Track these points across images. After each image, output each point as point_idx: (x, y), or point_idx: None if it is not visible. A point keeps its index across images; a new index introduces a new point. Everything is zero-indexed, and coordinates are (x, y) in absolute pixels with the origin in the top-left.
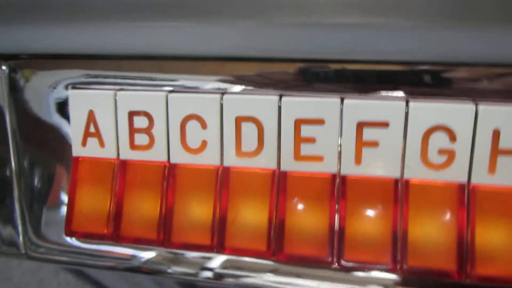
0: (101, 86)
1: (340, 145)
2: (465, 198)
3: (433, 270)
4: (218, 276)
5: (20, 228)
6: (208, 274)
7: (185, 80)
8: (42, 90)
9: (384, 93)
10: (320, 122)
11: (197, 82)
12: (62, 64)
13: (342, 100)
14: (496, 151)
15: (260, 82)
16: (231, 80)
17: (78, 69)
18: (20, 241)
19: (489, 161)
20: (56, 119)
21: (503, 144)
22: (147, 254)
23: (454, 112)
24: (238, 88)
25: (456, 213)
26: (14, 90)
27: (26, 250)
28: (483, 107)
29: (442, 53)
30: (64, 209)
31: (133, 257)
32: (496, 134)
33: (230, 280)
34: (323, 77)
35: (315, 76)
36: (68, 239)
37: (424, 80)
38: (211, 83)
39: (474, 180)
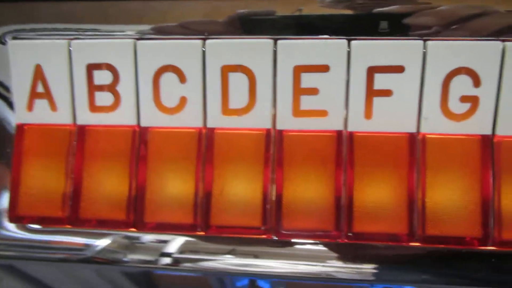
0: (50, 35)
1: (347, 96)
2: (490, 153)
3: (454, 238)
4: (176, 262)
5: None
6: (167, 260)
7: (155, 24)
8: None
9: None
10: (324, 69)
11: (172, 26)
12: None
13: (349, 42)
14: None
15: (250, 24)
16: (214, 22)
17: (20, 15)
18: None
19: None
20: None
21: None
22: (102, 243)
23: (479, 52)
24: (224, 31)
25: (480, 171)
26: None
27: None
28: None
29: None
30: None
31: (87, 246)
32: None
33: (188, 265)
34: (326, 16)
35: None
36: (11, 228)
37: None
38: (189, 26)
39: (500, 132)
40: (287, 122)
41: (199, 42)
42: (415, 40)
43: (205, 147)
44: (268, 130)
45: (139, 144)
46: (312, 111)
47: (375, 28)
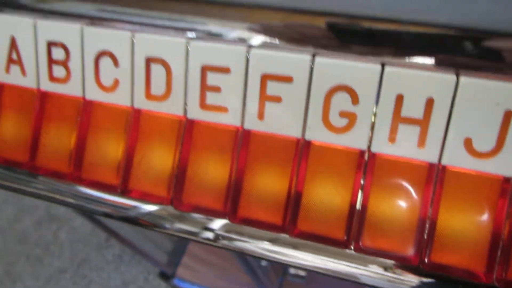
0: (23, 13)
1: (245, 97)
2: (364, 165)
3: (323, 236)
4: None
5: None
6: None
7: (102, 12)
8: None
9: (292, 46)
10: (226, 70)
11: (114, 14)
12: None
13: (249, 49)
14: (398, 118)
15: (167, 26)
16: (141, 22)
17: None
18: None
19: (390, 129)
20: None
21: (405, 112)
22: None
23: (359, 72)
24: (150, 28)
25: (354, 181)
26: None
27: None
28: (390, 69)
29: (349, 5)
30: None
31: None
32: (399, 100)
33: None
34: (231, 25)
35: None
36: None
37: (333, 36)
38: (123, 16)
39: (374, 148)
40: (196, 113)
41: (129, 34)
42: (304, 55)
43: (132, 123)
44: (180, 118)
45: (83, 113)
46: (215, 106)
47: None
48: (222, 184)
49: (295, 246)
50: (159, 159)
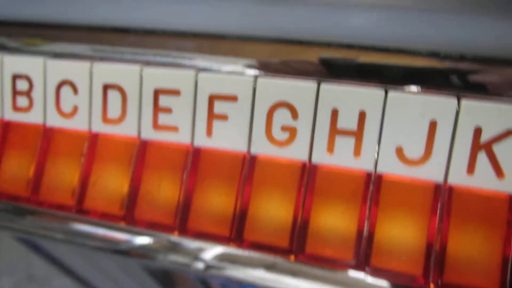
0: None
1: (194, 116)
2: (306, 178)
3: (269, 245)
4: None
5: None
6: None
7: (62, 45)
8: None
9: (235, 68)
10: (176, 93)
11: (73, 48)
12: None
13: (197, 73)
14: (335, 130)
15: (123, 52)
16: (99, 49)
17: None
18: None
19: (328, 141)
20: None
21: (341, 124)
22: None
23: (297, 90)
24: (108, 57)
25: (297, 193)
26: None
27: None
28: (324, 86)
29: (286, 29)
30: None
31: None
32: (335, 114)
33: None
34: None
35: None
36: None
37: (272, 58)
38: (83, 50)
39: (315, 159)
40: (149, 134)
41: (88, 64)
42: (247, 77)
43: (89, 147)
44: (134, 139)
45: (43, 140)
46: (167, 126)
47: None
48: (173, 201)
49: (293, 273)
50: (113, 179)
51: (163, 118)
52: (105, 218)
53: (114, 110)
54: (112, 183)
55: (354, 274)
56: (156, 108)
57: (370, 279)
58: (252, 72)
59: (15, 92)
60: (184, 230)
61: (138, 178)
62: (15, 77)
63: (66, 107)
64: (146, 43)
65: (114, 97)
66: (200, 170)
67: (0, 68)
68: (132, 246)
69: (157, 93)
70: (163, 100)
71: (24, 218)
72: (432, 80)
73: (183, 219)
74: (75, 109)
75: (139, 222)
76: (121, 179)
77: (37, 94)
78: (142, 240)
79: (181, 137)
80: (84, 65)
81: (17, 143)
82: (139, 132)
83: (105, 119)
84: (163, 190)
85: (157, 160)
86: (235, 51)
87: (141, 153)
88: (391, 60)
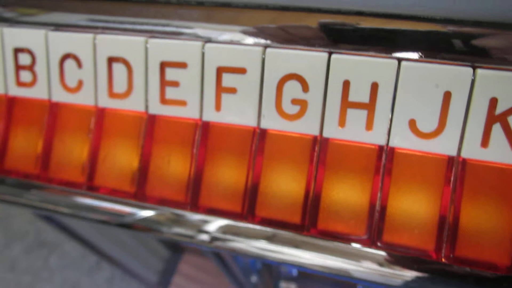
0: None
1: (202, 90)
2: (317, 152)
3: (281, 221)
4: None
5: None
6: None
7: (59, 15)
8: None
9: (244, 38)
10: (183, 65)
11: (71, 18)
12: None
13: (204, 43)
14: (346, 103)
15: (128, 23)
16: (105, 19)
17: None
18: None
19: (340, 114)
20: None
21: (353, 97)
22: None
23: (308, 61)
24: (112, 28)
25: (308, 167)
26: None
27: None
28: (336, 57)
29: None
30: None
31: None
32: (346, 85)
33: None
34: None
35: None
36: None
37: (285, 27)
38: (86, 22)
39: (326, 134)
40: (157, 108)
41: (91, 35)
42: (255, 47)
43: (97, 122)
44: (142, 113)
45: (49, 115)
46: (175, 100)
47: None
48: (183, 176)
49: (295, 245)
50: (123, 155)
51: (170, 92)
52: (116, 195)
53: (120, 84)
54: (121, 159)
55: (366, 248)
56: (163, 81)
57: (382, 253)
58: (252, 39)
59: (18, 67)
60: (195, 206)
61: (147, 153)
62: (16, 51)
63: (71, 81)
64: (146, 13)
65: (119, 70)
66: (210, 145)
67: (1, 41)
68: (137, 219)
69: (163, 66)
70: (170, 73)
71: (33, 192)
72: (446, 49)
73: (194, 195)
74: (80, 84)
75: (150, 199)
76: (130, 155)
77: (40, 68)
78: (147, 213)
79: (190, 112)
80: (87, 37)
81: (24, 119)
82: (146, 106)
83: (111, 94)
84: (173, 166)
85: (166, 135)
86: (235, 19)
87: (149, 128)
88: (403, 26)
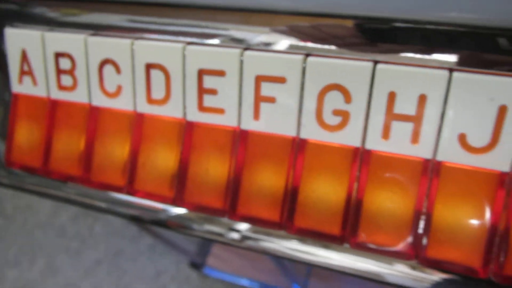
0: (33, 26)
1: (240, 99)
2: (359, 163)
3: (320, 231)
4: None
5: None
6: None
7: (100, 16)
8: None
9: (286, 45)
10: (221, 73)
11: (115, 21)
12: None
13: (243, 51)
14: (391, 115)
15: (168, 31)
16: (145, 21)
17: (14, 3)
18: None
19: (384, 126)
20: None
21: (398, 109)
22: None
23: (351, 71)
24: (152, 33)
25: (349, 178)
26: None
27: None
28: (381, 67)
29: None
30: None
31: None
32: (392, 97)
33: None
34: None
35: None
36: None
37: (327, 34)
38: (126, 23)
39: (369, 146)
40: (194, 115)
41: (129, 41)
42: (296, 56)
43: (135, 126)
44: (180, 120)
45: (90, 118)
46: (212, 108)
47: None
48: (221, 184)
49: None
50: (161, 160)
51: (208, 100)
52: (154, 199)
53: (158, 91)
54: (160, 163)
55: (407, 263)
56: (201, 89)
57: (425, 271)
58: (290, 46)
59: (59, 71)
60: (234, 214)
61: (186, 159)
62: (57, 55)
63: (110, 86)
64: (183, 15)
65: (157, 77)
66: (248, 153)
67: (42, 45)
68: (169, 215)
69: (201, 73)
70: (208, 81)
71: (69, 185)
72: (502, 60)
73: (232, 203)
74: (119, 89)
75: (187, 204)
76: (169, 160)
77: (80, 72)
78: (178, 210)
79: (228, 120)
80: (125, 43)
81: (66, 122)
82: (184, 113)
83: (150, 100)
84: (212, 173)
85: (204, 142)
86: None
87: (188, 135)
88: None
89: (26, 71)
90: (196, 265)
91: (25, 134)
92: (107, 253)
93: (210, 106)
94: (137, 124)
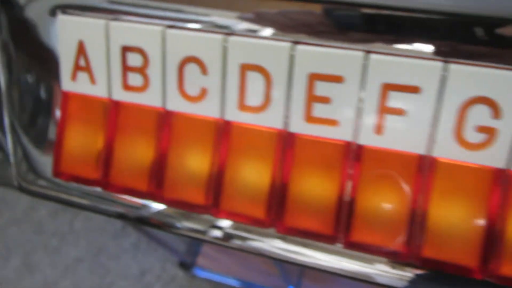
0: (94, 13)
1: (360, 109)
2: (502, 185)
3: (453, 263)
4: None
5: (12, 159)
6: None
7: (188, 14)
8: (37, 13)
9: (419, 49)
10: (338, 79)
11: (202, 17)
12: None
13: (367, 54)
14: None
15: (279, 23)
16: (242, 17)
17: None
18: (13, 172)
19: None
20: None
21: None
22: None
23: (502, 82)
24: (248, 29)
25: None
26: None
27: (20, 183)
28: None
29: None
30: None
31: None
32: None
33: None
34: (350, 23)
35: (341, 20)
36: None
37: (471, 37)
38: (218, 19)
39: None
40: (299, 126)
41: (221, 37)
42: (435, 62)
43: (222, 137)
44: (281, 131)
45: (163, 124)
46: (323, 119)
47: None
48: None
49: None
50: (254, 176)
51: (318, 109)
52: (247, 221)
53: (255, 95)
54: (252, 180)
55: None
56: (311, 97)
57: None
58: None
59: (126, 68)
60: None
61: (286, 176)
62: (125, 49)
63: (192, 89)
64: None
65: (254, 79)
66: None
67: (106, 37)
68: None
69: (312, 78)
70: (321, 88)
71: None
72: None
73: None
74: (203, 92)
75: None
76: (263, 177)
77: (154, 71)
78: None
79: (339, 133)
80: (216, 39)
81: (131, 127)
82: (285, 124)
83: (243, 107)
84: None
85: (308, 156)
86: None
87: (289, 149)
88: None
89: (82, 67)
90: (186, 265)
91: (78, 140)
92: (88, 251)
93: (320, 116)
94: (225, 134)
